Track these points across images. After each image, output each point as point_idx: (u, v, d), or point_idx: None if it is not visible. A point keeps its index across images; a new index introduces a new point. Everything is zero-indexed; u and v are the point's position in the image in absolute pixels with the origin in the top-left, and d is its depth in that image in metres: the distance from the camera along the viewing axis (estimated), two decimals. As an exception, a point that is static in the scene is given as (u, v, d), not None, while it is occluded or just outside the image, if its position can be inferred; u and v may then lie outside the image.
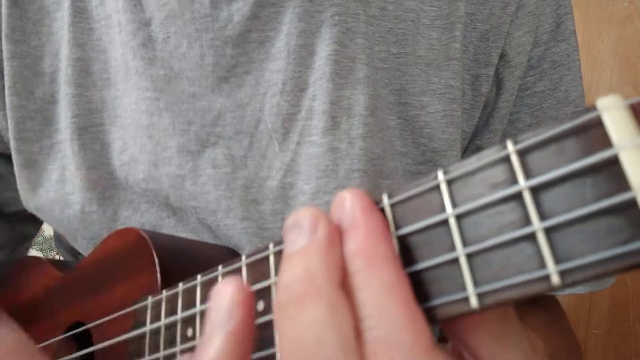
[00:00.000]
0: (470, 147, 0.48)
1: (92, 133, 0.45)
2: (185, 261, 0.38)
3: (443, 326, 0.20)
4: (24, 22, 0.47)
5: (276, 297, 0.19)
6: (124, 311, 0.35)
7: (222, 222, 0.43)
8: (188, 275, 0.30)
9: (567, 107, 0.47)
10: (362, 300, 0.18)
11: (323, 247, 0.19)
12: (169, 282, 0.32)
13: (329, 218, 0.20)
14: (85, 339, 0.42)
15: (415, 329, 0.17)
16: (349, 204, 0.20)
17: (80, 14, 0.46)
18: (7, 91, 0.46)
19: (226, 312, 0.21)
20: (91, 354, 0.38)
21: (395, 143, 0.44)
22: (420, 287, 0.19)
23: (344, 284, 0.19)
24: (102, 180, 0.45)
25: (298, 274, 0.19)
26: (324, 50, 0.42)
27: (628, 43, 1.05)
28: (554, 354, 0.41)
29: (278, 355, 0.19)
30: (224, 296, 0.21)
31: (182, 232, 0.45)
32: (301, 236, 0.20)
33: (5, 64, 0.46)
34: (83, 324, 0.40)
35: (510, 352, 0.19)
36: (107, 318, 0.37)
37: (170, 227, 0.45)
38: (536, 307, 0.48)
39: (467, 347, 0.19)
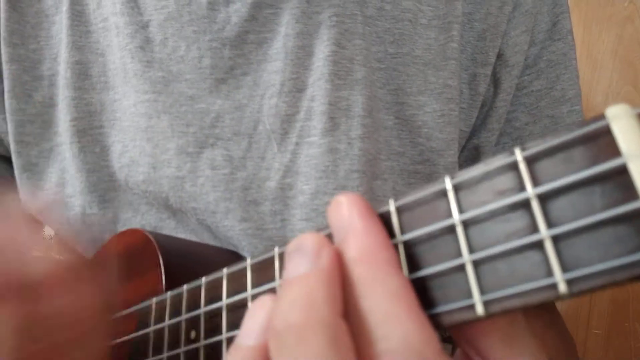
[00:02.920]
0: (468, 146, 0.48)
1: (91, 136, 0.45)
2: (190, 263, 0.38)
3: (452, 331, 0.20)
4: (23, 26, 0.47)
5: (273, 323, 0.18)
6: (126, 311, 0.35)
7: (221, 224, 0.43)
8: (192, 277, 0.30)
9: (563, 106, 0.47)
10: (367, 310, 0.17)
11: (327, 275, 0.18)
12: (173, 284, 0.32)
13: (333, 245, 0.19)
14: None
15: (424, 336, 0.17)
16: (346, 209, 0.19)
17: (79, 17, 0.46)
18: (6, 95, 0.46)
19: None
20: None
21: (392, 143, 0.44)
22: (425, 294, 0.19)
23: (347, 292, 0.18)
24: (103, 182, 0.45)
25: (299, 302, 0.18)
26: (322, 51, 0.42)
27: (628, 43, 1.05)
28: (552, 355, 0.41)
29: None
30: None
31: (182, 234, 0.45)
32: (304, 261, 0.19)
33: (4, 67, 0.46)
34: None
35: (520, 354, 0.19)
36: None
37: (170, 229, 0.45)
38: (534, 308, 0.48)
39: (477, 351, 0.19)
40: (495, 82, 0.46)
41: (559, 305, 1.03)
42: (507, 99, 0.47)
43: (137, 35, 0.43)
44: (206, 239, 0.44)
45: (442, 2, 0.44)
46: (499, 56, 0.46)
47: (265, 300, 0.20)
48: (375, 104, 0.43)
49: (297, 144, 0.42)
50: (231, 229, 0.43)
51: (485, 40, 0.45)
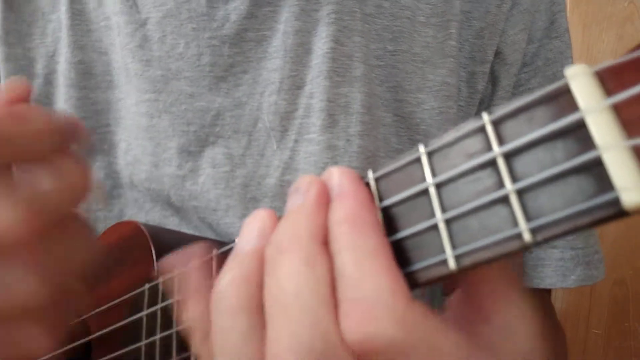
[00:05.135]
0: None
1: (100, 134, 0.46)
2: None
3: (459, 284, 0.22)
4: (19, 25, 0.47)
5: (267, 245, 0.21)
6: (120, 299, 0.36)
7: (222, 221, 0.43)
8: None
9: None
10: (343, 262, 0.19)
11: (311, 207, 0.21)
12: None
13: (323, 182, 0.21)
14: (84, 331, 0.42)
15: (394, 288, 0.18)
16: (337, 177, 0.21)
17: (79, 16, 0.46)
18: None
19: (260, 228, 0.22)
20: (89, 344, 0.39)
21: (391, 140, 0.44)
22: (402, 254, 0.19)
23: (328, 247, 0.20)
24: (109, 179, 0.46)
25: (284, 231, 0.20)
26: (320, 48, 0.42)
27: (628, 43, 1.05)
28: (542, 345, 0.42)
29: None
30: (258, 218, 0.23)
31: (185, 231, 0.45)
32: (298, 198, 0.21)
33: (0, 66, 0.47)
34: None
35: (513, 307, 0.20)
36: (104, 307, 0.37)
37: (173, 226, 0.46)
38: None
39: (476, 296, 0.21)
40: (494, 80, 0.47)
41: (559, 306, 1.03)
42: (505, 96, 0.47)
43: (136, 34, 0.44)
44: (208, 236, 0.45)
45: (440, 0, 0.44)
46: (497, 54, 0.46)
47: (259, 213, 0.23)
48: (374, 101, 0.43)
49: (296, 141, 0.43)
50: (232, 226, 0.43)
51: (484, 38, 0.45)
